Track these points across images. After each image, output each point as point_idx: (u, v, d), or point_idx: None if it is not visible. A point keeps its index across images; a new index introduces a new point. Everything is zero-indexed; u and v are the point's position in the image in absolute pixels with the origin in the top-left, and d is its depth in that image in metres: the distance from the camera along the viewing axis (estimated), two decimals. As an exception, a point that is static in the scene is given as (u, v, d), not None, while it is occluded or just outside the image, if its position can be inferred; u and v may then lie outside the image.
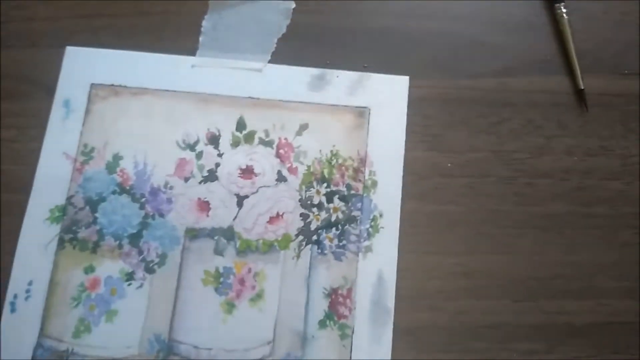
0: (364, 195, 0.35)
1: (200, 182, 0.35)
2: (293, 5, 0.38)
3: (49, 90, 0.37)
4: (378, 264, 0.34)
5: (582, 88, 0.36)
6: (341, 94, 0.37)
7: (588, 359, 0.33)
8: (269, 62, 0.37)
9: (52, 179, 0.36)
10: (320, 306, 0.33)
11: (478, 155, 0.35)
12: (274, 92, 0.37)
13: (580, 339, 0.33)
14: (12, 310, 0.33)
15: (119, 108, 0.37)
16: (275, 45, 0.37)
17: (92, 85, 0.37)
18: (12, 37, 0.38)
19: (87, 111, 0.37)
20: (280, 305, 0.34)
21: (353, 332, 0.33)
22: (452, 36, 0.37)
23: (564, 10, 0.37)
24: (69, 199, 0.35)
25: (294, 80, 0.37)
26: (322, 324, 0.33)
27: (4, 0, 0.39)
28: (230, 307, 0.33)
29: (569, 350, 0.33)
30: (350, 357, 0.33)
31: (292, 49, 0.37)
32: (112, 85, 0.37)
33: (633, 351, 0.33)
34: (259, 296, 0.34)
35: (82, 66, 0.38)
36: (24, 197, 0.35)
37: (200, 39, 0.38)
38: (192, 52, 0.38)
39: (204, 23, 0.38)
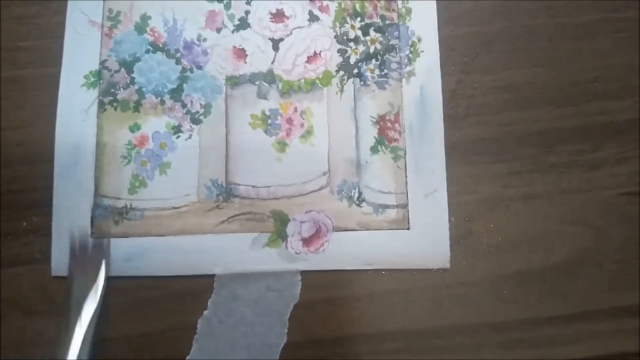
0: (400, 23, 0.35)
1: (232, 32, 0.35)
2: None
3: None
4: (422, 86, 0.34)
5: None
6: None
7: (632, 152, 0.34)
8: None
9: (81, 47, 0.35)
10: (370, 133, 0.34)
11: (506, -27, 0.36)
12: (294, -64, 0.36)
13: (623, 136, 0.34)
14: (63, 176, 0.33)
15: (139, -30, 0.36)
16: None
17: (108, -48, 0.36)
18: None
19: (107, -23, 0.36)
20: (331, 138, 0.34)
21: (405, 154, 0.33)
22: None
23: None
24: (102, 63, 0.35)
25: None
26: (374, 150, 0.34)
27: None
28: (282, 145, 0.34)
29: (614, 147, 0.34)
30: (406, 176, 0.33)
31: None
32: (128, -52, 0.36)
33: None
34: (308, 132, 0.34)
35: None
36: (56, 69, 0.35)
37: None
38: None
39: None
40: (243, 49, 0.35)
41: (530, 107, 0.34)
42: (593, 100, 0.34)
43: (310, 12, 0.35)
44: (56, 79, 0.35)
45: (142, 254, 0.32)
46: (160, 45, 0.35)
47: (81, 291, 0.30)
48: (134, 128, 0.34)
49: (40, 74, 0.35)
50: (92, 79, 0.35)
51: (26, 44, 0.35)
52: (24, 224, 0.33)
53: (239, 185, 0.33)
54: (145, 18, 0.35)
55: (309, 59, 0.35)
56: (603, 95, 0.34)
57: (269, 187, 0.33)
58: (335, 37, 0.35)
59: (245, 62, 0.35)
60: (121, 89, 0.34)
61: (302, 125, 0.34)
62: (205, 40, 0.35)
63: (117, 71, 0.35)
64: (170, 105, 0.34)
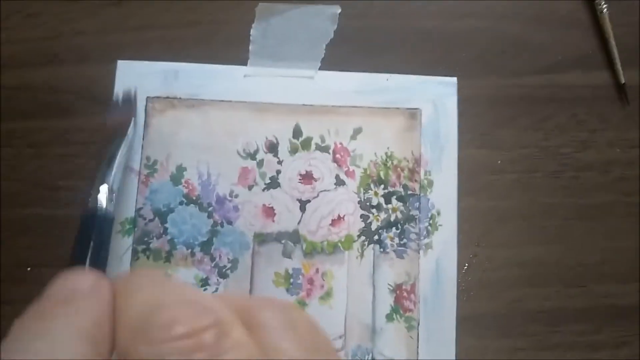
0: (421, 194, 0.37)
1: (263, 190, 0.37)
2: (339, 10, 0.39)
3: (105, 104, 0.38)
4: (438, 260, 0.36)
5: (624, 82, 0.37)
6: (392, 96, 0.38)
7: (632, 337, 0.36)
8: (319, 68, 0.38)
9: (120, 193, 0.37)
10: (386, 301, 0.36)
11: (526, 151, 0.37)
12: (326, 98, 0.38)
13: (625, 320, 0.36)
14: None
15: (177, 120, 0.38)
16: (324, 52, 0.38)
17: (148, 99, 0.38)
18: (62, 52, 0.39)
19: (146, 125, 0.38)
20: (349, 302, 0.36)
21: (419, 324, 0.35)
22: (496, 35, 0.39)
23: (605, 6, 0.38)
24: (137, 211, 0.37)
25: (345, 85, 0.38)
26: (389, 318, 0.36)
27: (53, 15, 0.39)
28: (302, 305, 0.36)
29: (615, 330, 0.36)
30: (418, 347, 0.35)
31: (341, 54, 0.38)
32: (168, 97, 0.38)
33: (673, 326, 0.36)
34: (328, 294, 0.36)
35: (136, 80, 0.38)
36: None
37: (251, 47, 0.39)
38: (243, 61, 0.39)
39: (252, 31, 0.39)
40: (272, 207, 0.37)
41: (540, 285, 0.36)
42: (599, 282, 0.36)
43: (337, 176, 0.37)
44: (94, 222, 0.37)
45: None
46: (194, 198, 0.37)
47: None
48: (164, 278, 0.36)
49: (79, 217, 0.37)
50: (128, 227, 0.37)
51: (66, 184, 0.38)
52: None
53: (259, 342, 0.35)
54: (181, 169, 0.37)
55: (333, 222, 0.37)
56: (609, 278, 0.36)
57: (287, 346, 0.35)
58: (359, 203, 0.37)
59: (274, 221, 0.37)
60: (154, 238, 0.37)
61: (322, 286, 0.36)
62: (237, 196, 0.37)
63: (151, 220, 0.37)
64: (199, 258, 0.36)
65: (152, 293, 0.16)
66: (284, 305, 0.17)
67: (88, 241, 0.27)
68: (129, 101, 0.37)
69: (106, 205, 0.30)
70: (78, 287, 0.16)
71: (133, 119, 0.36)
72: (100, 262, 0.27)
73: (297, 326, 0.17)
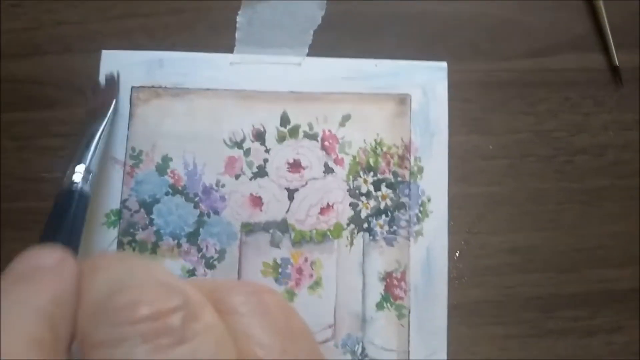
0: (411, 181, 0.36)
1: (250, 179, 0.36)
2: (326, -6, 0.38)
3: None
4: (429, 247, 0.35)
5: (617, 64, 0.37)
6: (381, 82, 0.37)
7: (628, 321, 0.35)
8: (307, 54, 0.38)
9: (104, 184, 0.36)
10: (376, 289, 0.35)
11: (518, 136, 0.37)
12: (314, 84, 0.37)
13: (621, 304, 0.35)
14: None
15: (162, 110, 0.37)
16: (311, 38, 0.38)
17: (133, 89, 0.37)
18: (44, 43, 0.38)
19: (131, 115, 0.37)
20: (338, 291, 0.35)
21: (409, 312, 0.35)
22: (486, 18, 0.38)
23: (597, -14, 0.37)
24: (123, 202, 0.36)
25: (332, 71, 0.38)
26: (379, 306, 0.35)
27: (34, 5, 0.38)
28: (291, 295, 0.35)
29: (611, 315, 0.35)
30: (409, 335, 0.35)
31: (328, 40, 0.38)
32: (153, 87, 0.37)
33: (670, 312, 0.35)
34: (317, 284, 0.35)
35: (120, 70, 0.38)
36: (79, 203, 0.36)
37: (237, 35, 0.38)
38: (228, 48, 0.38)
39: (238, 18, 0.38)
40: (259, 197, 0.36)
41: (533, 271, 0.35)
42: (594, 267, 0.35)
43: (326, 164, 0.37)
44: (79, 214, 0.36)
45: None
46: (180, 188, 0.36)
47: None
48: (151, 270, 0.36)
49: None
50: (113, 218, 0.36)
51: (50, 176, 0.37)
52: None
53: (248, 333, 0.35)
54: (166, 159, 0.37)
55: (322, 211, 0.36)
56: (604, 263, 0.36)
57: (276, 337, 0.35)
58: (348, 191, 0.36)
59: (261, 210, 0.36)
60: (140, 229, 0.36)
61: (311, 275, 0.36)
62: (223, 185, 0.36)
63: (136, 211, 0.36)
64: (186, 249, 0.36)
65: (118, 272, 0.15)
66: (256, 288, 0.17)
67: (60, 219, 0.27)
68: (112, 83, 0.36)
69: (81, 185, 0.30)
70: (41, 264, 0.16)
71: (115, 100, 0.36)
72: (72, 241, 0.26)
73: (269, 311, 0.16)
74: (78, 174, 0.30)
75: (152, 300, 0.14)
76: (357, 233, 0.36)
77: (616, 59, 0.37)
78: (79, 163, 0.31)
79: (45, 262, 0.16)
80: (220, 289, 0.16)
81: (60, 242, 0.26)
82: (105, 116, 0.34)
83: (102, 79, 0.37)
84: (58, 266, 0.15)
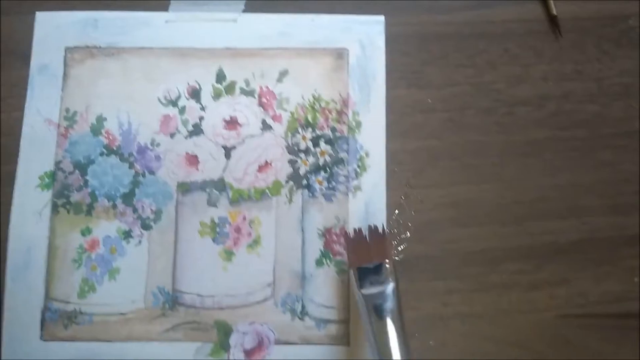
0: (349, 136, 0.36)
1: (186, 137, 0.36)
2: (263, -49, 0.37)
3: (25, 58, 0.37)
4: (367, 201, 0.35)
5: (555, 14, 0.36)
6: (318, 37, 0.37)
7: (572, 273, 0.34)
8: (243, 11, 0.37)
9: (37, 147, 0.36)
10: (315, 246, 0.34)
11: (457, 89, 0.36)
12: (250, 40, 0.37)
13: (566, 256, 0.35)
14: (15, 278, 0.34)
15: (97, 70, 0.36)
16: (248, -6, 0.37)
17: (67, 49, 0.37)
18: (-22, 6, 0.37)
19: (65, 76, 0.36)
20: (277, 249, 0.35)
21: (349, 268, 0.34)
22: (425, -29, 0.37)
23: (535, -64, 0.36)
24: (57, 164, 0.35)
25: (269, 27, 0.37)
26: (318, 263, 0.34)
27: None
28: (229, 254, 0.34)
29: (556, 268, 0.34)
30: (349, 291, 0.34)
31: (266, -4, 0.37)
32: (87, 47, 0.37)
33: (614, 264, 0.34)
34: (255, 242, 0.35)
35: (54, 31, 0.37)
36: (12, 167, 0.35)
37: (172, -7, 0.37)
38: (164, 7, 0.37)
39: (174, -24, 0.37)
40: (196, 155, 0.35)
41: (474, 225, 0.35)
42: (538, 219, 0.35)
43: (264, 121, 0.36)
44: (12, 177, 0.35)
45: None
46: (115, 149, 0.36)
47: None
48: (86, 232, 0.35)
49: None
50: (47, 180, 0.35)
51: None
52: (-26, 325, 0.34)
53: (185, 293, 0.34)
54: (100, 120, 0.36)
55: (260, 168, 0.35)
56: (548, 215, 0.35)
57: (214, 296, 0.34)
58: (286, 147, 0.36)
59: (197, 169, 0.35)
60: (74, 191, 0.35)
61: (249, 234, 0.35)
62: (158, 145, 0.36)
63: (71, 173, 0.35)
64: (122, 210, 0.35)
65: None
66: None
67: None
68: None
69: None
70: None
71: None
72: None
73: None
74: None
75: None
76: (296, 190, 0.35)
77: (554, 9, 0.36)
78: None
79: None
80: None
81: None
82: None
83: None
84: None
